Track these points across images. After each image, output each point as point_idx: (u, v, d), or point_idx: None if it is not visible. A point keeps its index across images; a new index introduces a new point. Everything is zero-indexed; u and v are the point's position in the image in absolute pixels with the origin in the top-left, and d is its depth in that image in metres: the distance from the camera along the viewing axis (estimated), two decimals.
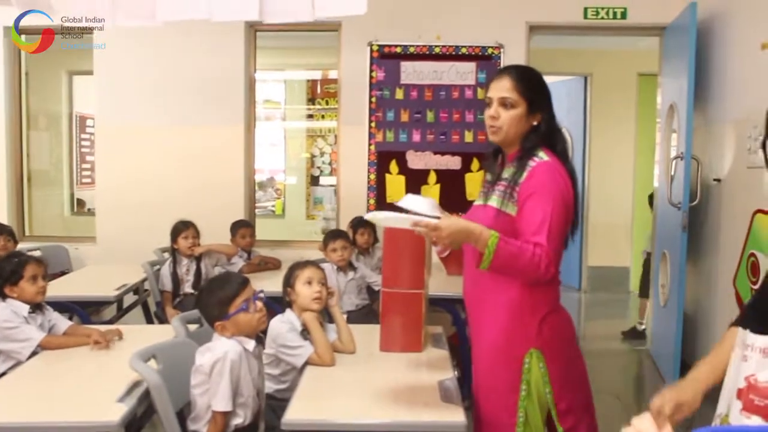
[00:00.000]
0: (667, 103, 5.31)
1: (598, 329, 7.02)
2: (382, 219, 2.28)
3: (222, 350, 2.42)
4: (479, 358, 2.46)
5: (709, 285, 4.82)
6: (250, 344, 2.53)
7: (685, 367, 4.59)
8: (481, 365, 2.44)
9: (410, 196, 2.36)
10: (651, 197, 5.95)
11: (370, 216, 2.26)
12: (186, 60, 5.55)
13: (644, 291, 6.04)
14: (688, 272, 4.80)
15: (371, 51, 5.45)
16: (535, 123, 2.35)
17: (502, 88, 2.35)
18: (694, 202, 4.81)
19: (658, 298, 5.36)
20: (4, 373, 2.87)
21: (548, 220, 2.18)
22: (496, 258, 2.14)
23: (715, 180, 4.73)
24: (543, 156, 2.29)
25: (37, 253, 4.01)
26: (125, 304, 4.81)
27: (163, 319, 4.52)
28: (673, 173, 5.02)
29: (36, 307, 3.14)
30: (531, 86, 2.35)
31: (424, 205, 2.31)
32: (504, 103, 2.34)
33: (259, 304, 2.59)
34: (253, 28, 5.64)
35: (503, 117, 2.34)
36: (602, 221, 8.09)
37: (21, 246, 4.86)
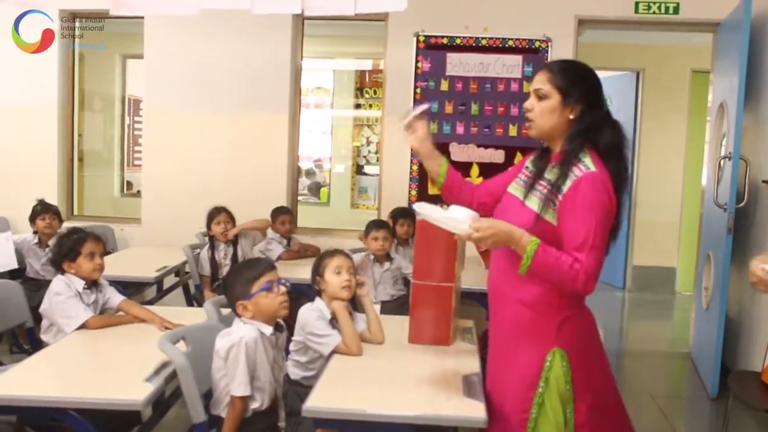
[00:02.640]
0: (718, 101, 5.19)
1: (640, 330, 6.92)
2: (426, 214, 2.24)
3: (238, 335, 2.45)
4: (496, 353, 2.44)
5: (754, 289, 4.70)
6: (267, 330, 2.54)
7: (725, 372, 4.52)
8: (498, 361, 2.43)
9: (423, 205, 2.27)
10: None
11: (417, 206, 2.26)
12: (233, 47, 5.61)
13: None
14: (732, 275, 4.70)
15: (417, 42, 5.43)
16: (572, 116, 2.30)
17: (538, 80, 2.34)
18: (741, 204, 4.69)
19: (701, 301, 5.26)
20: None
21: (591, 237, 2.16)
22: (533, 264, 2.16)
23: (764, 182, 4.61)
24: (588, 164, 2.23)
25: None
26: (165, 286, 4.90)
27: (201, 302, 4.59)
28: (720, 173, 4.91)
29: (92, 284, 3.21)
30: (566, 77, 2.30)
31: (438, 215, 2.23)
32: (538, 95, 2.32)
33: (282, 288, 2.59)
34: (301, 17, 5.66)
35: (536, 109, 2.32)
36: (650, 220, 7.94)
37: (67, 226, 4.98)
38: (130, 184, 8.21)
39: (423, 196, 5.40)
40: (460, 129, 5.42)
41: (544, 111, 2.31)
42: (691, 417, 4.64)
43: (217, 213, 4.75)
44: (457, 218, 2.18)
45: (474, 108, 5.41)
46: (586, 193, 2.20)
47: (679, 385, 5.34)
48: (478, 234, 2.15)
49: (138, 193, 7.00)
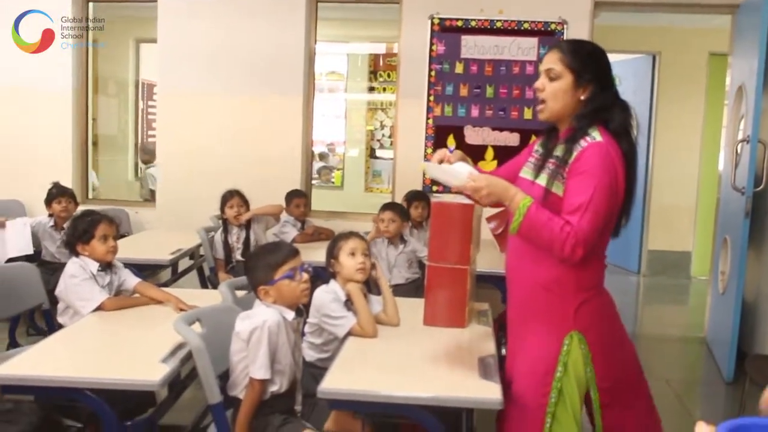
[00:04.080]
0: (736, 84, 5.13)
1: (656, 314, 6.89)
2: (429, 168, 2.37)
3: (261, 318, 2.44)
4: (514, 336, 2.44)
5: None
6: (290, 315, 2.53)
7: (741, 356, 4.49)
8: (516, 343, 2.42)
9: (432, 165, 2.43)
10: None
11: (423, 165, 2.37)
12: (247, 30, 5.59)
13: None
14: (749, 260, 4.67)
15: (432, 24, 5.40)
16: (583, 97, 2.28)
17: (549, 60, 2.32)
18: (759, 188, 4.65)
19: (717, 285, 5.23)
20: None
21: (587, 202, 2.13)
22: (525, 222, 2.16)
23: None
24: (596, 136, 2.22)
25: None
26: (180, 268, 4.91)
27: (216, 285, 4.60)
28: (738, 157, 4.86)
29: (106, 266, 3.22)
30: (578, 58, 2.29)
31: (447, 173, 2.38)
32: (549, 76, 2.30)
33: (305, 275, 2.58)
34: (315, 0, 5.64)
35: (548, 89, 2.31)
36: (665, 204, 7.88)
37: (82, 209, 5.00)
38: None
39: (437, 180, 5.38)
40: (474, 112, 5.40)
41: (557, 91, 2.30)
42: (707, 401, 4.62)
43: (230, 196, 4.75)
44: (456, 171, 2.30)
45: (489, 91, 5.37)
46: (589, 160, 2.19)
47: (695, 369, 5.31)
48: (474, 184, 2.18)
49: None
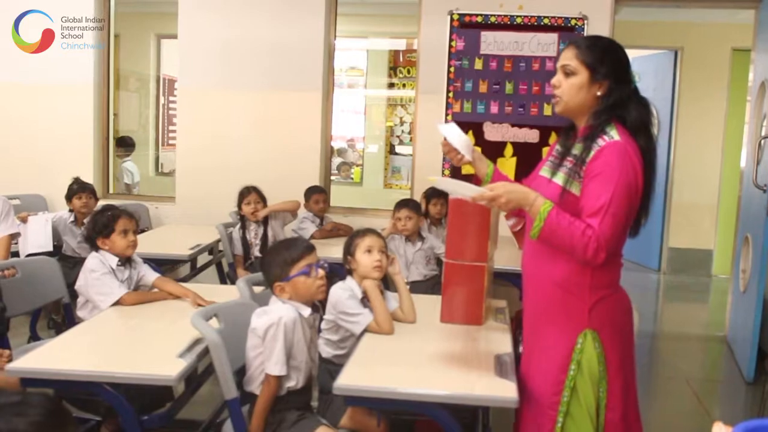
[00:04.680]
0: (759, 80, 5.08)
1: (676, 312, 6.84)
2: (440, 182, 2.34)
3: (277, 315, 2.45)
4: (529, 333, 2.43)
5: None
6: (306, 311, 2.54)
7: (762, 356, 4.45)
8: (531, 341, 2.41)
9: (452, 125, 2.56)
10: None
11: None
12: (266, 25, 5.59)
13: None
14: None
15: (451, 20, 5.37)
16: (599, 93, 2.26)
17: (565, 56, 2.30)
18: None
19: (738, 284, 5.18)
20: None
21: (607, 204, 2.11)
22: (546, 227, 2.13)
23: None
24: (613, 135, 2.20)
25: None
26: (199, 264, 4.93)
27: (234, 280, 4.61)
28: (760, 154, 4.81)
29: (126, 261, 3.25)
30: (594, 54, 2.26)
31: (458, 139, 2.54)
32: (565, 72, 2.29)
33: (321, 272, 2.59)
34: None
35: (563, 85, 2.29)
36: (687, 201, 7.82)
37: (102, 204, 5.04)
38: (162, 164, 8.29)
39: (456, 175, 5.37)
40: (494, 108, 5.37)
41: (572, 87, 2.28)
42: (726, 401, 4.58)
43: (247, 193, 4.76)
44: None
45: (508, 87, 5.35)
46: (608, 160, 2.16)
47: (715, 368, 5.28)
48: (492, 192, 2.16)
49: (171, 173, 7.06)
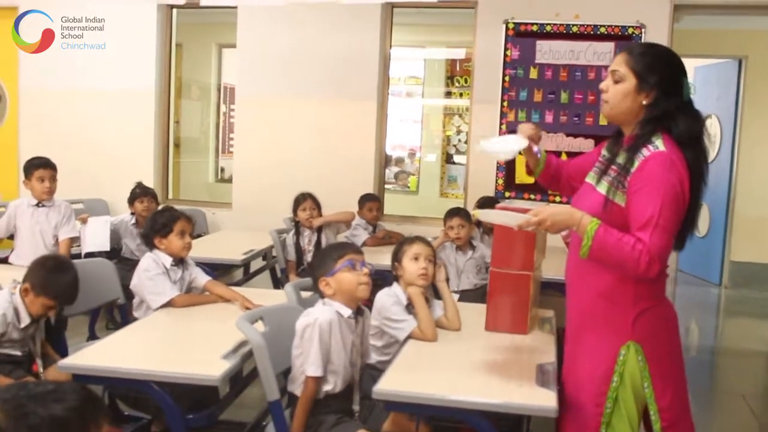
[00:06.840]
0: None
1: (736, 328, 6.66)
2: (484, 215, 2.43)
3: (313, 316, 2.48)
4: (571, 343, 2.40)
5: None
6: (346, 312, 2.56)
7: None
8: (574, 351, 2.39)
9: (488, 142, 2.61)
10: None
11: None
12: (323, 36, 5.68)
13: None
14: None
15: (507, 29, 5.37)
16: (645, 102, 2.23)
17: (616, 61, 2.29)
18: None
19: None
20: None
21: (656, 217, 2.08)
22: (595, 245, 2.11)
23: None
24: (659, 145, 2.16)
25: None
26: (253, 269, 5.01)
27: None
28: None
29: (179, 262, 3.34)
30: (644, 61, 2.23)
31: (500, 147, 2.64)
32: (614, 77, 2.27)
33: (365, 269, 2.61)
34: (390, 5, 5.68)
35: (610, 91, 2.28)
36: (750, 214, 7.62)
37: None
38: (223, 170, 8.43)
39: (510, 185, 5.36)
40: (549, 118, 5.34)
41: (618, 94, 2.26)
42: None
43: (303, 199, 4.82)
44: (512, 213, 2.33)
45: (563, 96, 5.31)
46: (653, 171, 2.13)
47: None
48: (536, 218, 2.16)
49: (230, 179, 7.19)
